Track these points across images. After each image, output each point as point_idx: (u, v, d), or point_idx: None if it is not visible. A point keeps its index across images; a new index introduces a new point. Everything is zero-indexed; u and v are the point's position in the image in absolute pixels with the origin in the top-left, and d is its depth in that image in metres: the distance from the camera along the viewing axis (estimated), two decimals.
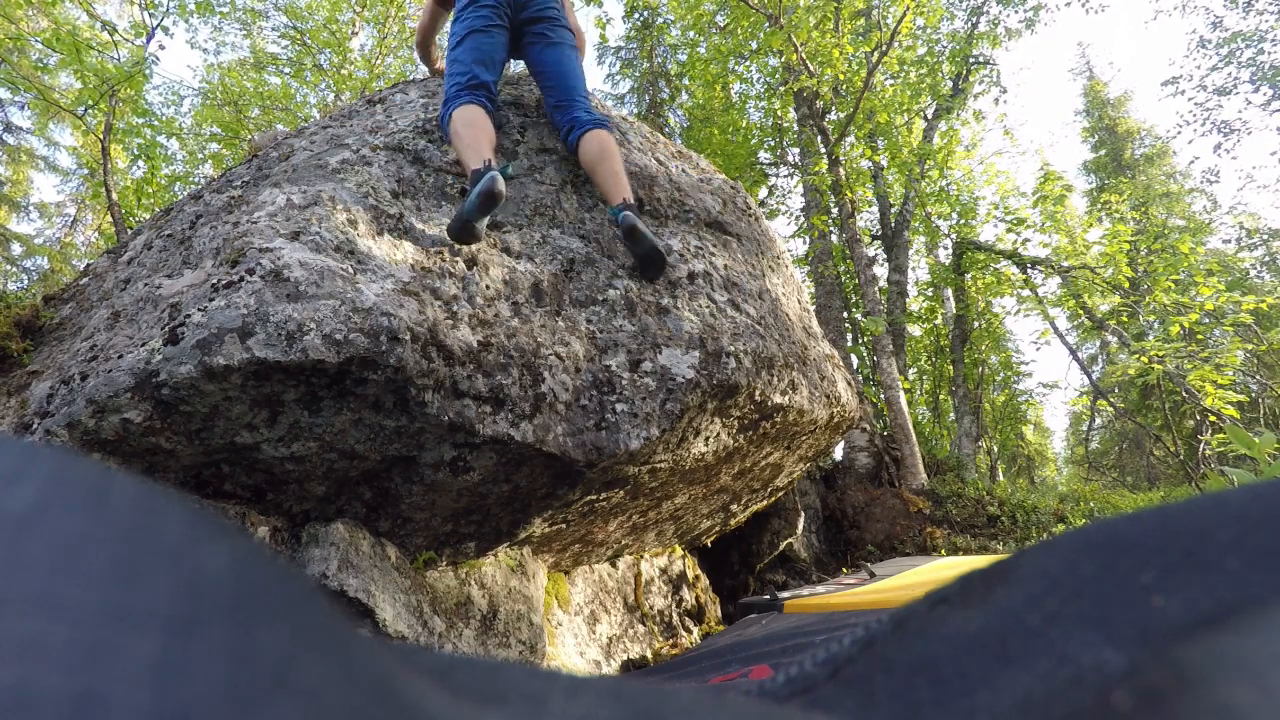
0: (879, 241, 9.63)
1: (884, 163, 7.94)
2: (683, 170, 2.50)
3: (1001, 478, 11.63)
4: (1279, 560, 0.20)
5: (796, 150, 9.35)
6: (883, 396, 5.62)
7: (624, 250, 1.97)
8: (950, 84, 7.94)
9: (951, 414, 9.57)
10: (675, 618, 2.61)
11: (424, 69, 10.16)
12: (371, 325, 1.26)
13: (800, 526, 3.27)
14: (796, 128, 8.87)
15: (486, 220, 1.61)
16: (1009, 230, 7.11)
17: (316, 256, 1.34)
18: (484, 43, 1.94)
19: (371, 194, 1.63)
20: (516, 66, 2.43)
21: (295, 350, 1.17)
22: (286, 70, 9.39)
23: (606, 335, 1.70)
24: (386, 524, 1.52)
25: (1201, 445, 6.17)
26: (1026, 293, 7.42)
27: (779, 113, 8.64)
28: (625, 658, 2.24)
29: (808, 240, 8.85)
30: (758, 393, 1.86)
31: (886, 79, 7.51)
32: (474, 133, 1.72)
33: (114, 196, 4.43)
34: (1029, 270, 7.28)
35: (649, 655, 2.31)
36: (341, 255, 1.40)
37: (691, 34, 9.23)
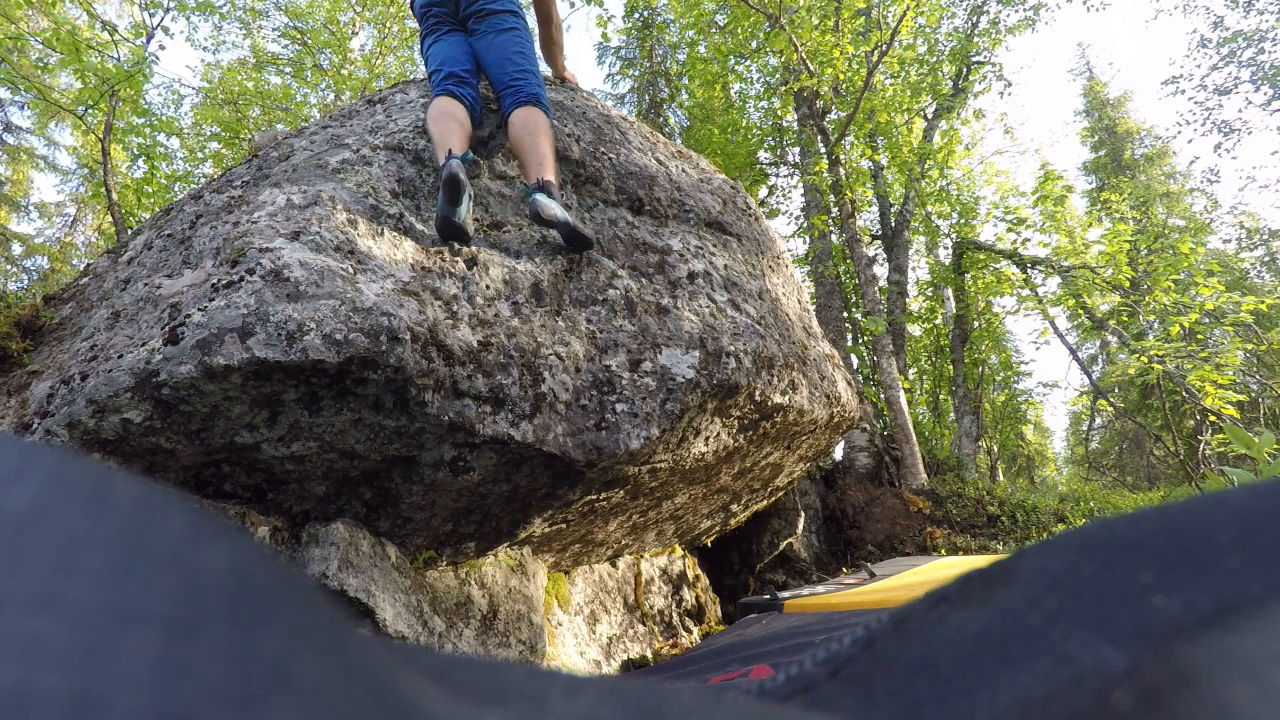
0: (879, 241, 9.64)
1: (884, 162, 7.94)
2: (683, 170, 2.50)
3: (1001, 478, 11.63)
4: (1279, 560, 0.20)
5: (796, 150, 9.35)
6: (883, 396, 5.62)
7: (623, 250, 1.98)
8: (950, 83, 7.94)
9: (951, 414, 9.56)
10: (675, 618, 2.61)
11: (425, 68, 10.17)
12: (371, 325, 1.26)
13: (800, 526, 3.27)
14: (796, 127, 8.86)
15: (464, 210, 1.60)
16: (1009, 230, 7.10)
17: (316, 256, 1.34)
18: (442, 49, 2.01)
19: (371, 194, 1.63)
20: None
21: (295, 350, 1.17)
22: (287, 70, 9.39)
23: (606, 335, 1.70)
24: (386, 524, 1.52)
25: (1201, 445, 6.17)
26: (1026, 293, 7.41)
27: (779, 112, 8.64)
28: (625, 658, 2.24)
29: (808, 240, 8.85)
30: (758, 393, 1.86)
31: (886, 78, 7.51)
32: (441, 126, 1.74)
33: (114, 196, 4.43)
34: (1029, 270, 7.28)
35: (649, 655, 2.31)
36: (341, 255, 1.40)
37: (691, 33, 9.23)
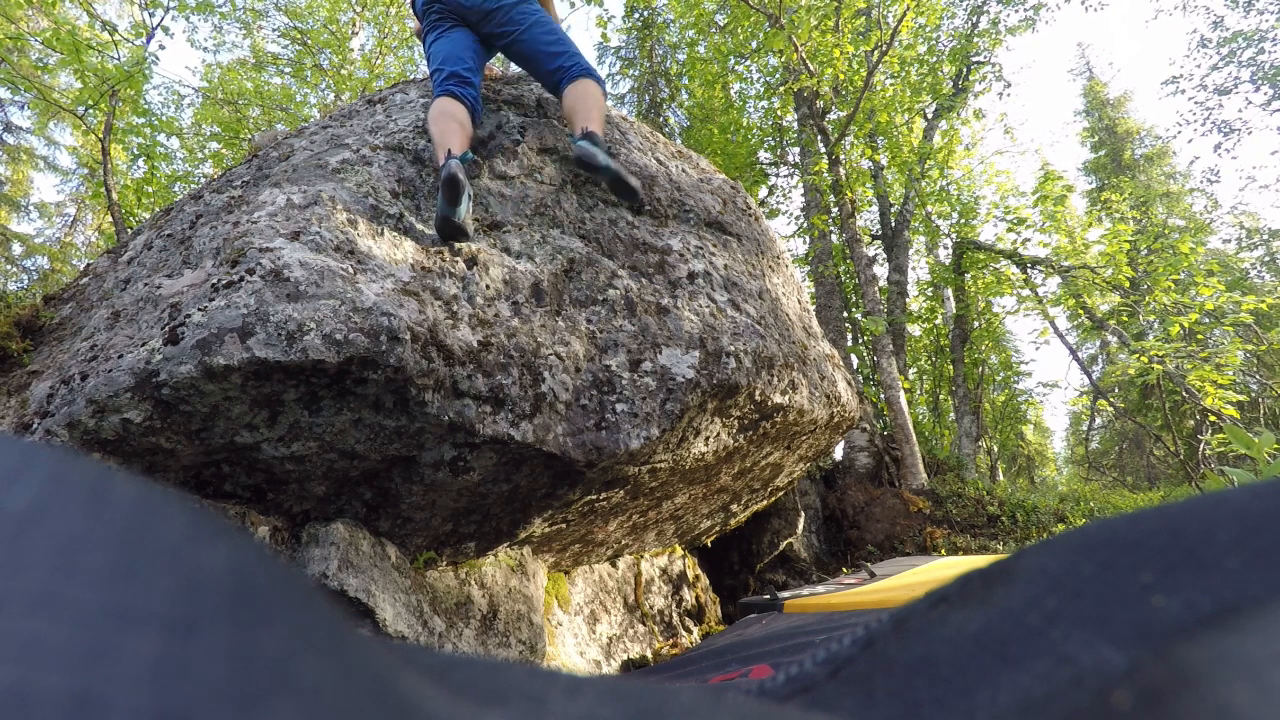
0: (879, 241, 9.63)
1: (884, 162, 7.94)
2: (683, 170, 2.50)
3: (1001, 478, 11.63)
4: (1279, 560, 0.20)
5: (796, 150, 9.35)
6: (883, 396, 5.62)
7: (623, 250, 1.98)
8: (950, 83, 7.94)
9: (951, 414, 9.56)
10: (675, 618, 2.61)
11: (424, 68, 10.16)
12: (371, 325, 1.26)
13: (800, 526, 3.27)
14: (796, 127, 8.86)
15: (463, 211, 1.61)
16: (1009, 230, 7.10)
17: (316, 256, 1.34)
18: (444, 46, 2.02)
19: (371, 194, 1.63)
20: (515, 65, 2.44)
21: (295, 350, 1.17)
22: (287, 70, 9.39)
23: (606, 335, 1.70)
24: (386, 524, 1.52)
25: (1201, 445, 6.17)
26: (1026, 293, 7.41)
27: (779, 112, 8.64)
28: (625, 658, 2.24)
29: (808, 240, 8.85)
30: (758, 393, 1.86)
31: (886, 78, 7.51)
32: (441, 126, 1.75)
33: (114, 196, 4.43)
34: (1029, 270, 7.28)
35: (649, 655, 2.31)
36: (341, 255, 1.40)
37: (691, 33, 9.23)
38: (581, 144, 1.77)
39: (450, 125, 1.75)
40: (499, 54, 2.18)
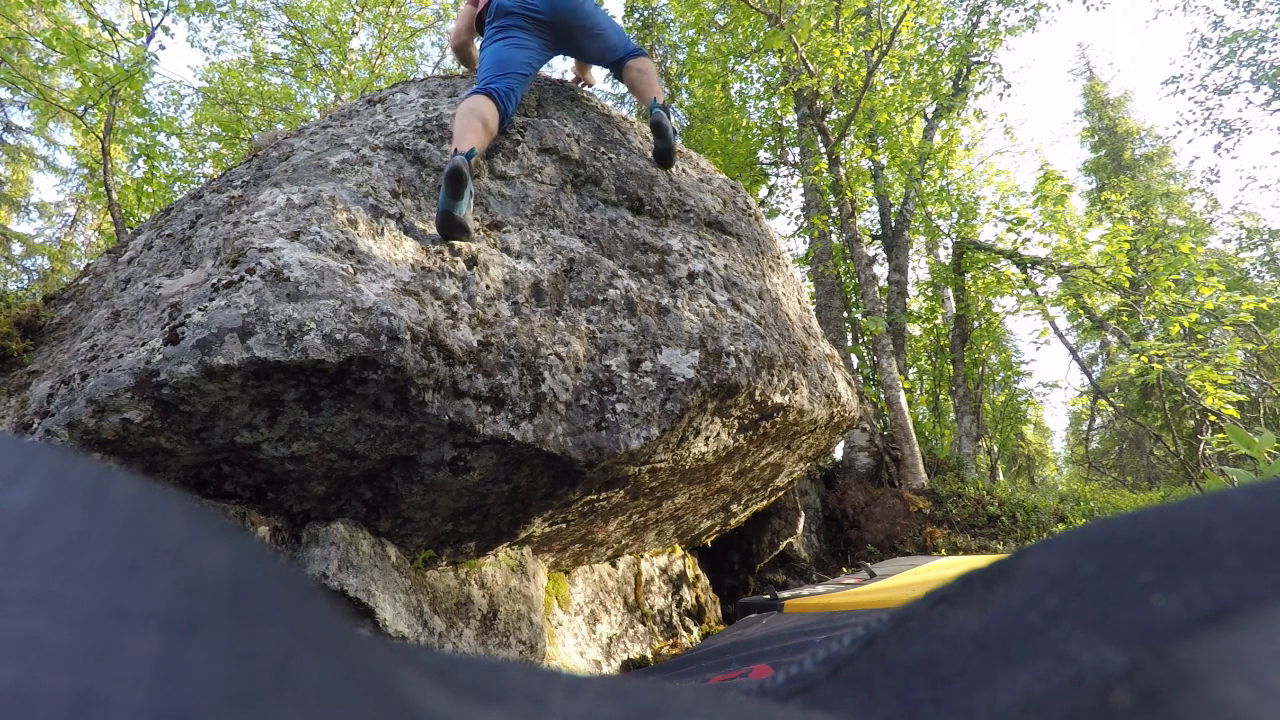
0: (879, 241, 9.63)
1: (884, 162, 7.93)
2: (683, 170, 2.50)
3: (1001, 478, 11.62)
4: (1278, 560, 0.20)
5: (796, 150, 9.35)
6: (883, 396, 5.62)
7: (623, 250, 1.98)
8: (951, 83, 7.94)
9: (951, 414, 9.56)
10: (675, 617, 2.61)
11: (430, 69, 10.14)
12: (372, 325, 1.26)
13: (800, 526, 3.27)
14: (796, 127, 8.86)
15: (465, 205, 1.61)
16: (1009, 230, 7.11)
17: (316, 256, 1.34)
18: (499, 52, 2.04)
19: (371, 194, 1.63)
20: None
21: (295, 350, 1.17)
22: (287, 70, 9.39)
23: (606, 335, 1.70)
24: (386, 524, 1.52)
25: (1201, 445, 6.16)
26: (1026, 292, 7.41)
27: (779, 112, 8.63)
28: (625, 657, 2.24)
29: (808, 240, 8.84)
30: (758, 392, 1.86)
31: (886, 78, 7.51)
32: (463, 123, 1.75)
33: (114, 196, 4.43)
34: (1029, 270, 7.28)
35: (649, 655, 2.31)
36: (341, 255, 1.40)
37: (691, 33, 9.23)
38: (658, 111, 2.12)
39: (473, 123, 1.75)
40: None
